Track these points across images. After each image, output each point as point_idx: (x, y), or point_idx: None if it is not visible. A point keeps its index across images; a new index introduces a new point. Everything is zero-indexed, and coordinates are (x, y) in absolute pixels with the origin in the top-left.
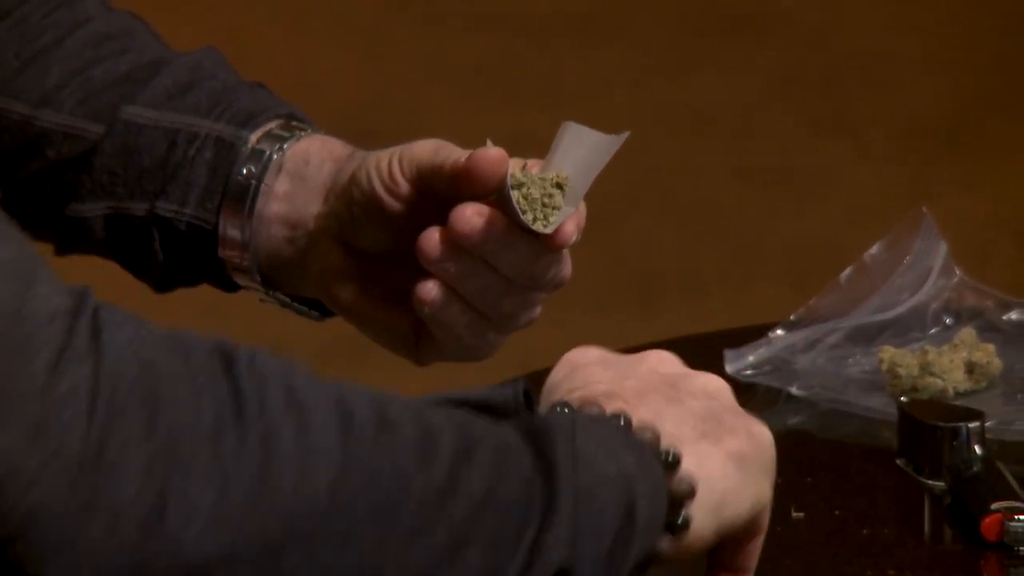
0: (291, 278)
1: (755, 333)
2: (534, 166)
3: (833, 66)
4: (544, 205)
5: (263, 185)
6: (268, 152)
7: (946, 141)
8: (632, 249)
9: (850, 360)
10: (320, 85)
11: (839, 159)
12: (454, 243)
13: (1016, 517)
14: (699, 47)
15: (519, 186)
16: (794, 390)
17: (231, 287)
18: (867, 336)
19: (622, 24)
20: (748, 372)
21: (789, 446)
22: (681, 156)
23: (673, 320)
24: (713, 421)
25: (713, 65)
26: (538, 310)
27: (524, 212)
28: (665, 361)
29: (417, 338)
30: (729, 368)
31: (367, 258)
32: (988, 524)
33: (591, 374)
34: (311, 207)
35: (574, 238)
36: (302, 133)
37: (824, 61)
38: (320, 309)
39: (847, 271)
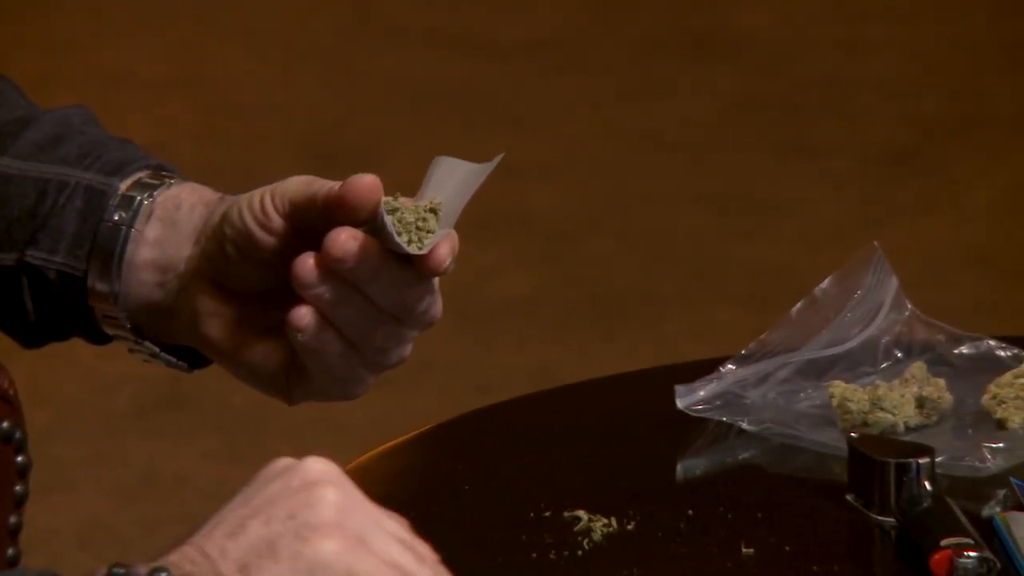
0: (163, 324)
1: (706, 367)
2: (407, 201)
3: (792, 91)
4: (418, 228)
5: (133, 231)
6: (138, 199)
7: (904, 165)
8: (591, 272)
9: (801, 394)
10: (282, 109)
11: (798, 183)
12: (328, 268)
13: (965, 554)
14: (659, 71)
15: (393, 211)
16: (745, 425)
17: (102, 339)
18: (818, 370)
19: (583, 48)
20: (699, 407)
21: (739, 481)
22: (641, 180)
23: (632, 343)
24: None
25: (673, 89)
26: (408, 348)
27: (400, 234)
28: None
29: (288, 376)
30: (680, 403)
31: (240, 297)
32: (937, 561)
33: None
34: (182, 251)
35: (448, 261)
36: (172, 181)
37: (783, 86)
38: (191, 360)
39: (798, 305)
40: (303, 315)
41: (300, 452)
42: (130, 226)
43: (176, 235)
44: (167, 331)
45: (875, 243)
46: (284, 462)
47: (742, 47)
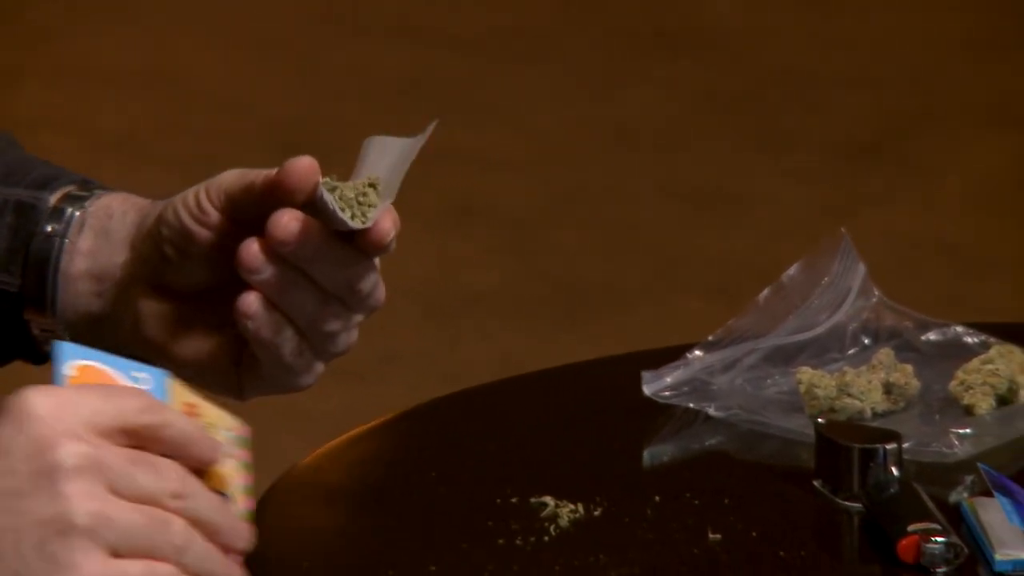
0: (104, 334)
1: (673, 354)
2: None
3: (759, 82)
4: (359, 203)
5: (66, 242)
6: (69, 210)
7: (871, 157)
8: (557, 263)
9: (768, 381)
10: (247, 100)
11: (765, 175)
12: (272, 251)
13: (933, 539)
14: (625, 63)
15: (332, 190)
16: (712, 411)
17: (41, 359)
18: (785, 357)
19: (549, 40)
20: (666, 394)
21: (706, 467)
22: (606, 172)
23: (598, 334)
24: None
25: (639, 81)
26: (355, 334)
27: (343, 211)
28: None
29: (238, 371)
30: (647, 390)
31: (181, 297)
32: (905, 546)
33: None
34: (116, 258)
35: (391, 234)
36: (100, 192)
37: (750, 78)
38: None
39: (765, 291)
40: (251, 302)
41: (267, 445)
42: (63, 237)
43: (109, 244)
44: (109, 341)
45: (843, 230)
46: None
47: (709, 39)
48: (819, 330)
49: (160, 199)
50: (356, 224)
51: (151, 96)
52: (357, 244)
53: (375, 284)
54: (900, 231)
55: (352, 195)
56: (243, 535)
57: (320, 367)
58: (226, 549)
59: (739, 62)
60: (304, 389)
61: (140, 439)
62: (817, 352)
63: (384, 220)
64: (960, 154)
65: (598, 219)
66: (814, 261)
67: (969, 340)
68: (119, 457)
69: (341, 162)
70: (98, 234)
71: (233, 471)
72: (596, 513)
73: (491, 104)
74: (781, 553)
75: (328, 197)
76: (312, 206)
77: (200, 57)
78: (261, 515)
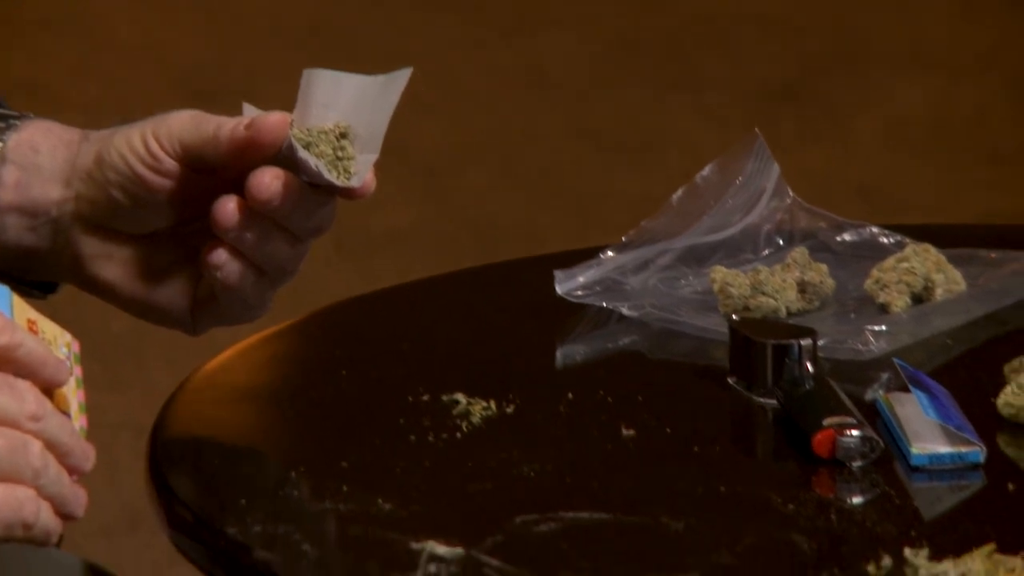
0: (37, 268)
1: (586, 256)
2: (311, 128)
3: (674, 27)
4: (339, 159)
5: None
6: None
7: (786, 100)
8: (473, 206)
9: (682, 281)
10: (159, 47)
11: (681, 119)
12: (251, 210)
13: (848, 432)
14: (541, 8)
15: (307, 145)
16: (625, 310)
17: None
18: (699, 257)
19: None
20: (579, 293)
21: (619, 365)
22: (522, 115)
23: None
24: None
25: (555, 26)
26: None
27: (329, 171)
28: None
29: (194, 309)
30: (560, 289)
31: (132, 239)
32: (820, 440)
33: None
34: (49, 195)
35: (373, 186)
36: (17, 122)
37: (666, 22)
38: (42, 286)
39: (678, 192)
40: (220, 255)
41: (181, 376)
42: None
43: (39, 179)
44: (44, 273)
45: (756, 130)
46: None
47: None
48: (733, 230)
49: (82, 130)
50: (342, 182)
51: (62, 40)
52: (331, 190)
53: (333, 215)
54: (816, 173)
55: (330, 151)
56: (89, 456)
57: (271, 296)
58: (73, 471)
59: (654, 5)
60: (258, 319)
61: None
62: (731, 253)
63: (371, 175)
64: (876, 96)
65: (514, 162)
66: (728, 162)
67: (884, 240)
68: None
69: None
70: (24, 169)
71: (71, 389)
72: (508, 410)
73: (404, 47)
74: (695, 448)
75: (309, 157)
76: (284, 160)
77: (109, 3)
78: (168, 417)
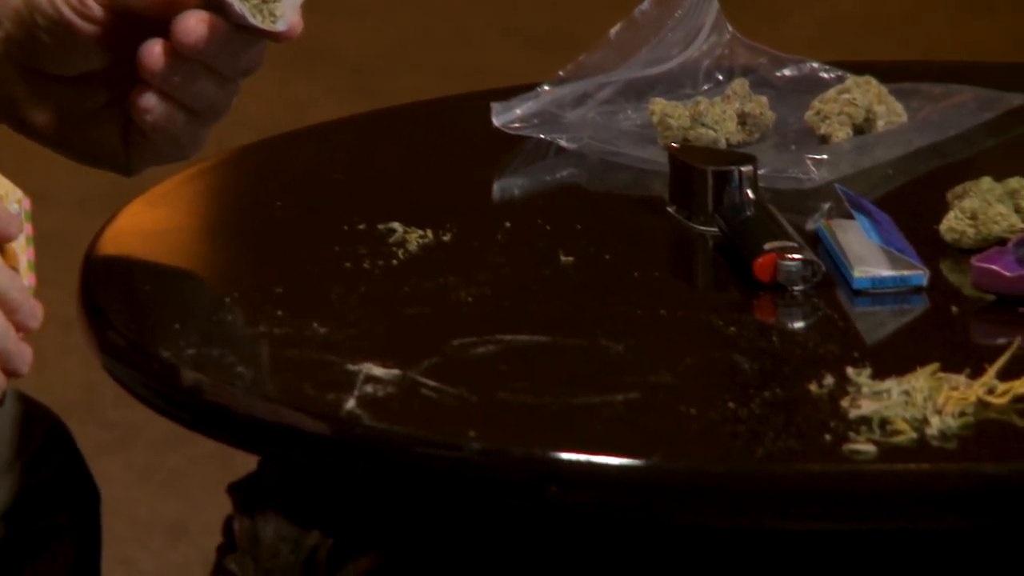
0: None
1: (523, 90)
2: None
3: None
4: (264, 2)
5: None
6: None
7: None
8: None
9: (620, 115)
10: None
11: (608, 17)
12: (177, 54)
13: (789, 256)
14: None
15: None
16: (563, 142)
17: None
18: (638, 91)
19: None
20: (516, 125)
21: (558, 197)
22: (451, 15)
23: None
24: None
25: None
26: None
27: (254, 16)
28: None
29: (126, 150)
30: (497, 121)
31: (60, 81)
32: (761, 264)
33: None
34: None
35: (300, 29)
36: None
37: None
38: None
39: (616, 27)
40: (149, 99)
41: None
42: None
43: None
44: None
45: None
46: None
47: None
48: (671, 64)
49: None
50: (268, 25)
51: None
52: (257, 33)
53: (262, 56)
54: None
55: None
56: (36, 314)
57: (207, 133)
58: (20, 327)
59: None
60: (190, 157)
61: None
62: (670, 87)
63: (297, 18)
64: None
65: (443, 62)
66: None
67: (825, 75)
68: None
69: None
70: None
71: (21, 246)
72: (445, 239)
73: None
74: (635, 274)
75: (234, 1)
76: (211, 3)
77: None
78: (100, 246)
